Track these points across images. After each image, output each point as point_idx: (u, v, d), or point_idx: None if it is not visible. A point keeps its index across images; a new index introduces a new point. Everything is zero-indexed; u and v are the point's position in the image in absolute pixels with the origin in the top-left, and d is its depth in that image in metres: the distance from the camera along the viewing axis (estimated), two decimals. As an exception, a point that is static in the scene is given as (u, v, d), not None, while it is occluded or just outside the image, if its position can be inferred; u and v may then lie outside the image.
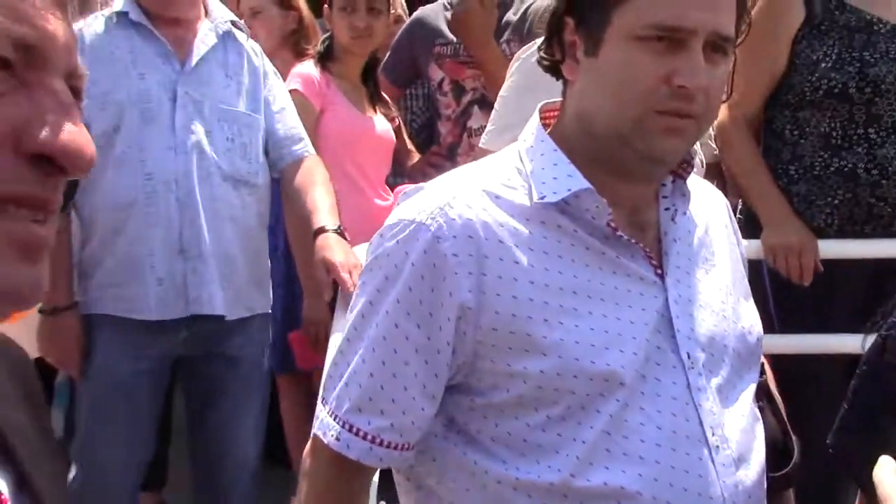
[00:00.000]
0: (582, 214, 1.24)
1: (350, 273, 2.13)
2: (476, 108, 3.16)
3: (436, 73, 3.23)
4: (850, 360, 2.45)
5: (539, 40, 2.61)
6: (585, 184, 1.23)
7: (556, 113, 1.35)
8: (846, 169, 2.40)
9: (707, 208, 1.41)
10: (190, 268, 2.35)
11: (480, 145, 2.75)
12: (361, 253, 2.52)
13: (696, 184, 1.37)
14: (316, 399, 1.36)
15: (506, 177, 1.28)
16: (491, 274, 1.20)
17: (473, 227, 1.21)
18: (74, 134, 0.61)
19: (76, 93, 0.63)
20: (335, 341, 2.05)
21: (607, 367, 1.20)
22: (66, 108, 0.61)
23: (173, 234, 2.33)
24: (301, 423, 2.97)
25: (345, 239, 2.28)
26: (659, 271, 1.28)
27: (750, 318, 1.39)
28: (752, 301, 1.43)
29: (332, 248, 2.23)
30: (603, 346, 1.20)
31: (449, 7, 3.19)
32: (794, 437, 1.49)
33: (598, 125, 1.25)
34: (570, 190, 1.23)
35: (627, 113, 1.22)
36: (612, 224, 1.23)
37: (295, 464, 3.03)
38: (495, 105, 2.71)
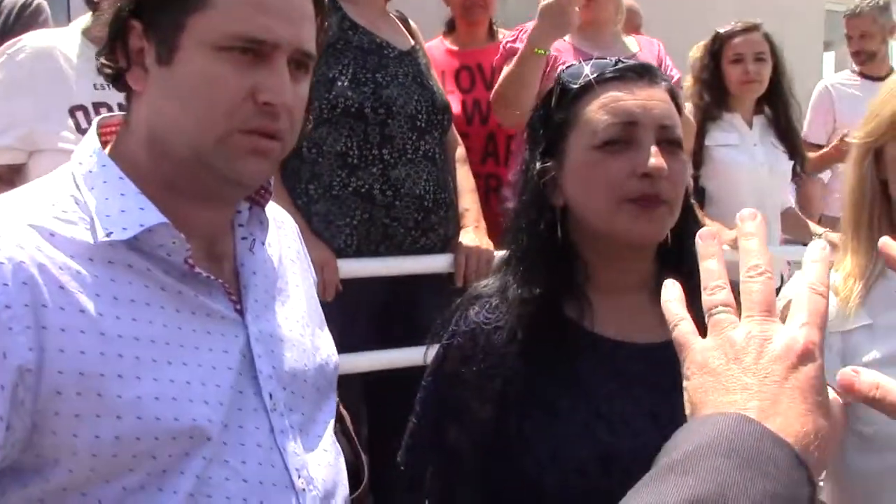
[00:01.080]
0: (155, 251, 1.10)
1: None
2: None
3: None
4: (373, 377, 2.52)
5: (25, 35, 2.32)
6: (161, 218, 1.09)
7: (115, 129, 1.18)
8: (363, 189, 2.44)
9: (280, 235, 1.34)
10: None
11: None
12: None
13: (269, 210, 1.30)
14: None
15: (60, 209, 1.09)
16: (52, 327, 1.01)
17: (27, 271, 1.01)
18: None
19: None
20: None
21: (192, 423, 1.07)
22: None
23: None
24: None
25: None
26: (238, 307, 1.19)
27: (327, 347, 1.36)
28: (326, 329, 1.40)
29: None
30: (186, 398, 1.07)
31: None
32: (363, 457, 1.45)
33: (174, 144, 1.12)
34: (142, 225, 1.08)
35: (209, 131, 1.10)
36: (190, 261, 1.11)
37: None
38: (-26, 108, 2.32)
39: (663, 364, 1.38)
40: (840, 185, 4.17)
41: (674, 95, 1.41)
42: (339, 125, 2.41)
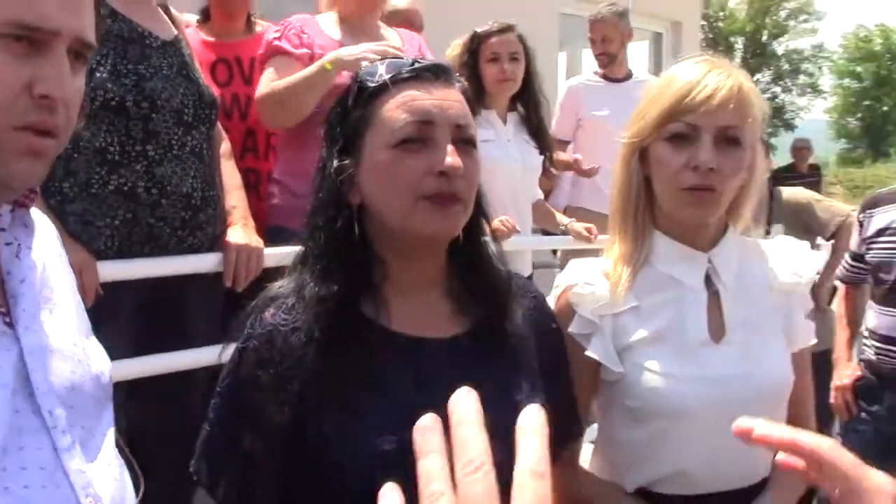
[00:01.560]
0: None
1: None
2: None
3: None
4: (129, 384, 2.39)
5: None
6: None
7: None
8: (126, 188, 2.30)
9: (41, 238, 1.23)
10: None
11: None
12: None
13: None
14: None
15: None
16: None
17: None
18: None
19: None
20: None
21: None
22: None
23: None
24: None
25: None
26: (8, 319, 1.07)
27: (98, 356, 1.26)
28: (93, 338, 1.29)
29: None
30: None
31: None
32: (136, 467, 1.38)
33: None
34: None
35: None
36: None
37: None
38: None
39: (457, 357, 1.42)
40: (585, 179, 4.45)
41: (467, 96, 1.44)
42: (97, 119, 2.25)
